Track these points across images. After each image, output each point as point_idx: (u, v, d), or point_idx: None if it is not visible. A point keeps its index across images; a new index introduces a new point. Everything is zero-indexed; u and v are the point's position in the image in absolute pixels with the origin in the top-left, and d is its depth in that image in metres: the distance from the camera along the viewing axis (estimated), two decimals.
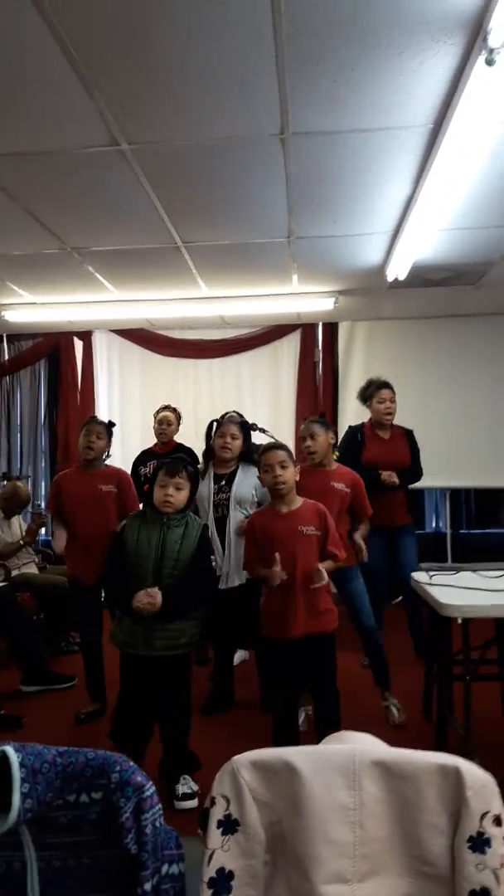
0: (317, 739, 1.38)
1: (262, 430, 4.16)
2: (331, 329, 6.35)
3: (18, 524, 4.89)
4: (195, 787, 2.77)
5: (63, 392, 6.55)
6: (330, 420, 6.24)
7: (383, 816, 1.13)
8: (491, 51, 2.02)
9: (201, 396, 6.45)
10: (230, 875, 1.15)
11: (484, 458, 6.07)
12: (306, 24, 2.11)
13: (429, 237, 3.89)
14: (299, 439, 3.54)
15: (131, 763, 1.22)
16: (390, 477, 4.19)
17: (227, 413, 4.33)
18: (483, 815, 1.09)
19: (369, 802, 1.12)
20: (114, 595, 2.95)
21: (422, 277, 4.73)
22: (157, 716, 2.79)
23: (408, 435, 4.44)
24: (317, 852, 1.11)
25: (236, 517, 3.54)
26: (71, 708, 3.66)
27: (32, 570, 4.79)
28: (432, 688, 3.46)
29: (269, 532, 2.83)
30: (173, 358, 6.49)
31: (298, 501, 2.89)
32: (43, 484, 6.70)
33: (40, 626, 4.60)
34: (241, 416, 4.32)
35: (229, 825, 1.17)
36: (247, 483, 3.63)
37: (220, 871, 1.15)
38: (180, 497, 2.73)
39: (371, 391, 4.38)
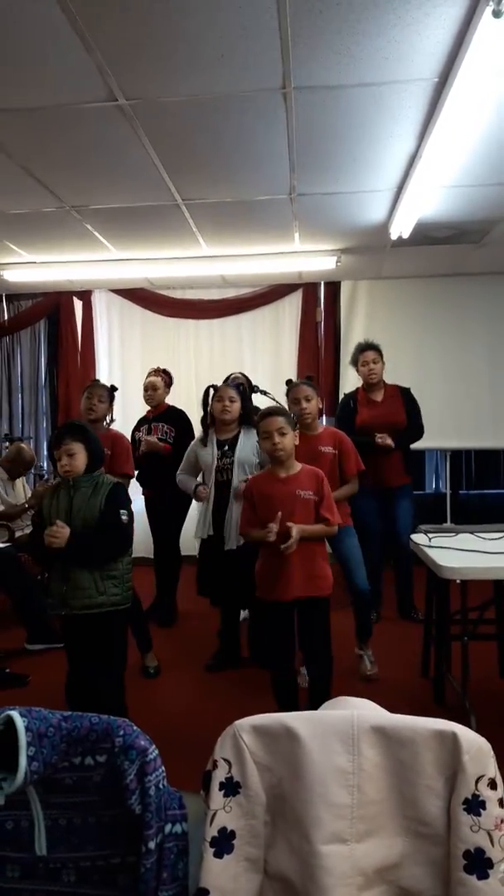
0: (309, 705, 1.41)
1: (264, 393, 4.14)
2: (333, 288, 6.27)
3: (22, 486, 4.91)
4: None
5: (63, 353, 6.51)
6: (332, 381, 6.25)
7: (381, 780, 1.16)
8: (499, 1, 1.95)
9: (202, 357, 6.41)
10: (232, 834, 1.19)
11: (484, 420, 6.06)
12: None
13: (433, 194, 3.82)
14: (291, 401, 3.44)
15: (134, 727, 1.24)
16: (384, 440, 4.19)
17: (231, 374, 4.31)
18: (479, 779, 1.12)
19: (367, 766, 1.15)
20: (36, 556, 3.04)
21: (425, 235, 4.65)
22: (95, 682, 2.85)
23: (403, 394, 4.43)
24: (316, 814, 1.14)
25: (239, 480, 3.56)
26: None
27: None
28: (430, 647, 3.52)
29: (267, 496, 2.84)
30: (174, 318, 6.43)
31: (297, 467, 2.90)
32: (45, 445, 6.70)
33: (44, 586, 4.64)
34: (245, 377, 4.31)
35: (231, 787, 1.20)
36: (249, 445, 3.64)
37: (222, 830, 1.19)
38: (77, 462, 2.77)
39: (356, 354, 4.37)
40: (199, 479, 3.81)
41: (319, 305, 6.32)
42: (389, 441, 4.20)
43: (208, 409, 3.78)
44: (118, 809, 1.22)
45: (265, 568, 2.89)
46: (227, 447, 3.68)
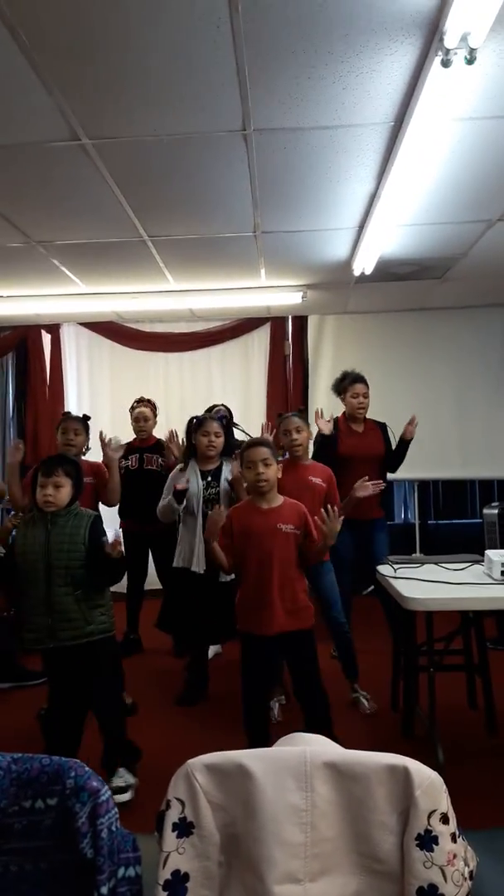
0: (294, 730, 1.40)
1: (235, 426, 4.18)
2: (300, 322, 6.36)
3: None
4: (131, 780, 2.78)
5: (31, 386, 6.48)
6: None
7: (334, 816, 1.15)
8: (447, 51, 2.03)
9: (172, 389, 6.43)
10: (185, 877, 1.17)
11: (451, 450, 6.14)
12: (264, 22, 2.10)
13: (393, 232, 3.92)
14: (283, 432, 3.54)
15: (86, 768, 1.22)
16: (376, 487, 4.12)
17: (214, 407, 4.33)
18: (431, 814, 1.12)
19: (321, 803, 1.15)
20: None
21: (388, 272, 4.76)
22: (81, 714, 2.81)
23: (381, 428, 4.48)
24: (269, 853, 1.13)
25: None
26: (39, 705, 3.66)
27: None
28: (399, 678, 3.51)
29: (246, 527, 2.82)
30: (143, 351, 6.46)
31: (279, 499, 2.90)
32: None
33: (11, 622, 4.57)
34: (227, 409, 4.33)
35: (184, 828, 1.18)
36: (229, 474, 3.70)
37: (176, 873, 1.17)
38: (61, 495, 2.77)
39: (346, 384, 4.40)
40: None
41: (287, 339, 6.41)
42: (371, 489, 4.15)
43: (192, 440, 3.79)
44: (70, 854, 1.20)
45: (245, 601, 2.88)
46: (210, 478, 3.70)
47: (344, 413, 4.45)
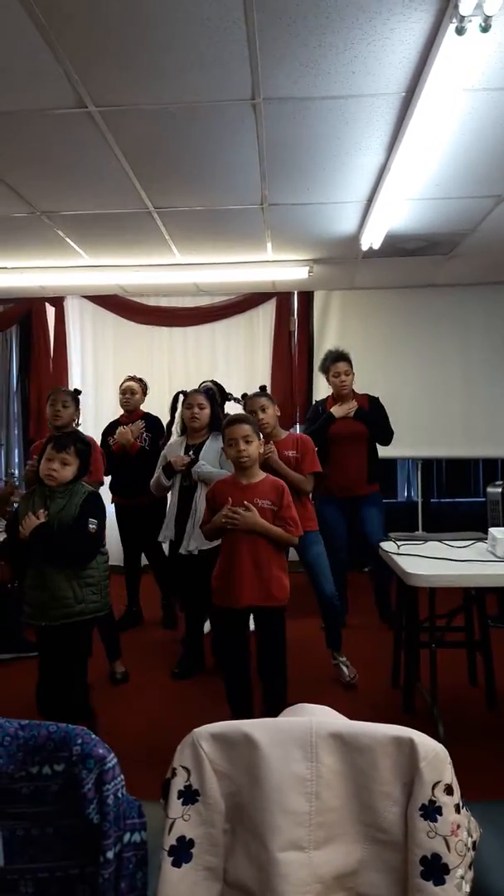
0: (265, 713, 1.41)
1: (237, 401, 4.15)
2: (306, 298, 6.31)
3: None
4: None
5: (35, 359, 6.45)
6: (305, 390, 6.28)
7: (339, 787, 1.16)
8: (462, 18, 1.98)
9: (176, 364, 6.40)
10: (190, 843, 1.18)
11: (455, 429, 6.13)
12: None
13: (402, 206, 3.87)
14: (249, 412, 3.49)
15: (93, 735, 1.23)
16: (349, 411, 4.26)
17: (202, 383, 4.32)
18: (435, 785, 1.13)
19: (326, 773, 1.16)
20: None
21: (395, 247, 4.71)
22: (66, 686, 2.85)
23: (372, 402, 4.48)
24: (274, 821, 1.14)
25: (203, 485, 3.56)
26: None
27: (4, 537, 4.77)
28: (400, 655, 3.54)
29: (224, 500, 2.85)
30: (147, 325, 6.42)
31: (260, 475, 2.93)
32: (16, 452, 6.64)
33: (15, 593, 4.60)
34: (215, 383, 4.31)
35: (189, 795, 1.19)
36: (212, 450, 3.66)
37: (181, 839, 1.18)
38: (65, 472, 2.77)
39: (327, 364, 4.40)
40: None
41: (293, 315, 6.36)
42: (349, 407, 4.24)
43: (176, 414, 3.79)
44: (76, 819, 1.21)
45: (219, 573, 2.91)
46: (191, 452, 3.69)
47: (333, 394, 4.46)
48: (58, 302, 6.40)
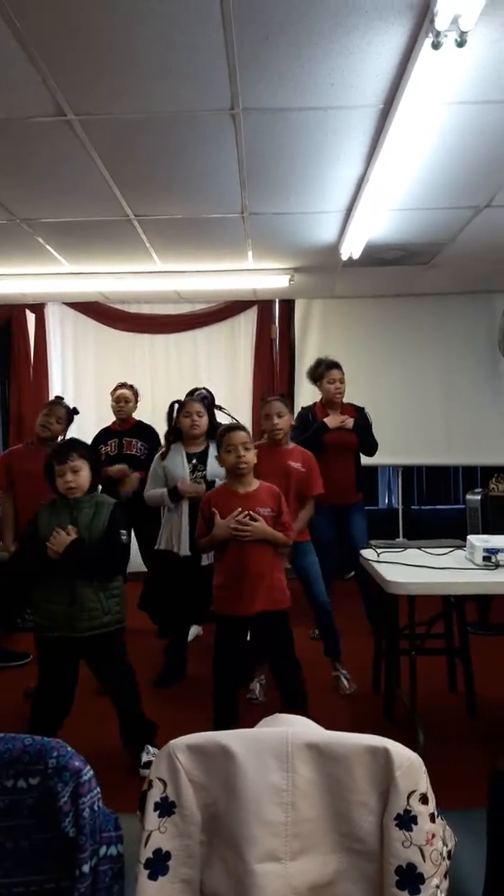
0: (278, 711, 1.41)
1: (220, 408, 4.16)
2: (287, 306, 6.34)
3: None
4: None
5: (15, 366, 6.41)
6: (287, 398, 6.30)
7: (315, 797, 1.16)
8: (438, 33, 2.01)
9: (158, 372, 6.39)
10: (167, 855, 1.18)
11: (435, 437, 6.18)
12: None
13: (381, 217, 3.90)
14: (264, 417, 3.56)
15: (68, 748, 1.23)
16: (343, 423, 4.26)
17: (195, 389, 4.32)
18: (410, 794, 1.13)
19: (301, 784, 1.16)
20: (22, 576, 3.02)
21: (375, 257, 4.74)
22: (70, 697, 2.84)
23: (358, 412, 4.50)
24: (250, 832, 1.14)
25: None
26: (24, 685, 3.66)
27: None
28: (381, 661, 3.55)
29: (224, 511, 2.85)
30: (128, 332, 6.41)
31: (255, 483, 2.94)
32: None
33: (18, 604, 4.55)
34: (209, 391, 4.31)
35: (166, 807, 1.19)
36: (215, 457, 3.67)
37: (157, 851, 1.17)
38: (81, 479, 2.76)
39: (321, 371, 4.41)
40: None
41: (274, 323, 6.38)
42: (348, 421, 4.26)
43: (173, 423, 3.77)
44: (52, 833, 1.20)
45: (223, 582, 2.90)
46: (195, 460, 3.68)
47: (321, 401, 4.47)
48: (38, 308, 6.37)
